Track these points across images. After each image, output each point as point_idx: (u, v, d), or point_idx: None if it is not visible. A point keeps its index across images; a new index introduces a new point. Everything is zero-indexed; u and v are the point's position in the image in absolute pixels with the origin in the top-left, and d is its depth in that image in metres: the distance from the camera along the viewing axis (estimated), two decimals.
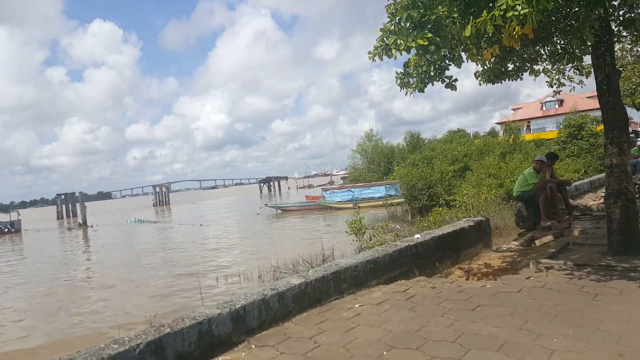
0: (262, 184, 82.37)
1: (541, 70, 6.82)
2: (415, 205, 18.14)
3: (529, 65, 6.05)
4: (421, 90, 5.49)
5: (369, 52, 4.21)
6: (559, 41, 5.58)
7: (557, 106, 56.91)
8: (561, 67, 7.11)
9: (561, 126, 27.55)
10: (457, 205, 13.06)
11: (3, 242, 29.60)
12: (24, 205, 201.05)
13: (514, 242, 7.36)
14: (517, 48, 5.45)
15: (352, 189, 28.88)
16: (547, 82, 7.28)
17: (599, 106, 5.19)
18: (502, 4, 3.31)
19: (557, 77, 7.20)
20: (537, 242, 7.00)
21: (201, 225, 26.35)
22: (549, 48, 5.89)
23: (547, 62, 6.61)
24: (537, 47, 5.89)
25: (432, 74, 5.30)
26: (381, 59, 4.22)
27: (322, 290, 3.76)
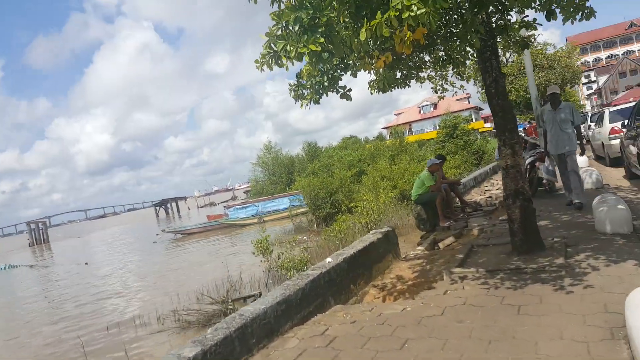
0: (157, 207, 76.49)
1: (426, 77, 6.91)
2: (320, 214, 18.00)
3: (415, 72, 6.02)
4: (316, 102, 5.06)
5: (256, 61, 3.61)
6: (441, 48, 5.59)
7: (432, 109, 62.70)
8: (444, 73, 7.30)
9: (438, 127, 29.99)
10: (359, 212, 13.11)
11: None
12: None
13: (419, 248, 7.33)
14: (408, 54, 5.31)
15: (256, 204, 27.94)
16: (432, 88, 7.44)
17: (467, 107, 5.27)
18: (397, 4, 2.95)
19: (440, 82, 7.40)
20: (441, 245, 7.04)
21: (87, 263, 23.12)
22: (432, 55, 5.89)
23: (431, 69, 6.69)
24: (422, 54, 5.86)
25: (325, 84, 4.88)
26: (270, 69, 3.66)
27: (225, 355, 3.01)
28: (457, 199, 9.65)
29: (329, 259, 4.71)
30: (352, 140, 40.85)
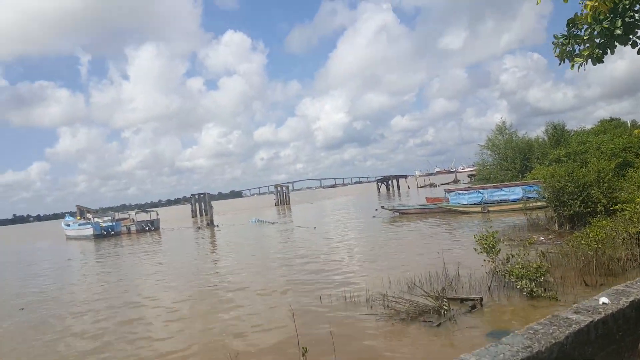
0: (380, 183, 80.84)
1: None
2: (565, 212, 14.98)
3: None
4: (598, 60, 3.62)
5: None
6: None
7: None
8: None
9: None
10: (626, 217, 10.11)
11: (145, 239, 33.38)
12: (169, 203, 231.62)
13: None
14: None
15: (481, 190, 25.73)
16: None
17: None
18: None
19: None
20: None
21: (315, 228, 26.07)
22: None
23: None
24: None
25: (618, 32, 3.40)
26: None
27: None
28: None
29: (603, 299, 3.24)
30: (614, 123, 32.78)
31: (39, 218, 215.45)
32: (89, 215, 45.34)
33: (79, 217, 47.96)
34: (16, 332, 10.10)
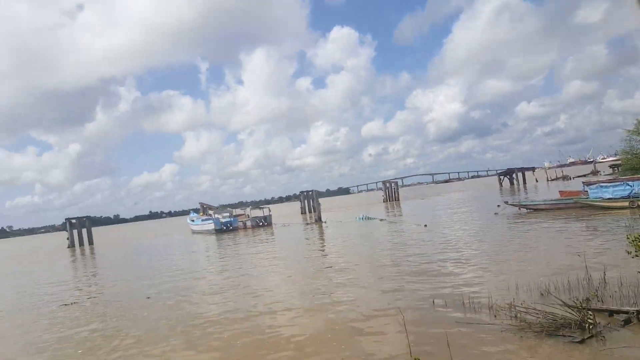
0: (502, 177, 74.85)
1: None
2: None
3: None
4: None
5: None
6: None
7: None
8: None
9: None
10: None
11: (259, 234, 35.39)
12: (281, 200, 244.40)
13: None
14: None
15: (630, 182, 22.10)
16: None
17: None
18: None
19: None
20: None
21: (425, 225, 24.92)
22: None
23: None
24: None
25: None
26: None
27: None
28: None
29: None
30: None
31: (170, 214, 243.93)
32: (210, 212, 49.68)
33: (201, 214, 52.85)
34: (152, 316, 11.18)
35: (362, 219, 37.01)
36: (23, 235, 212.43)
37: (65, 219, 50.32)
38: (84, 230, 50.36)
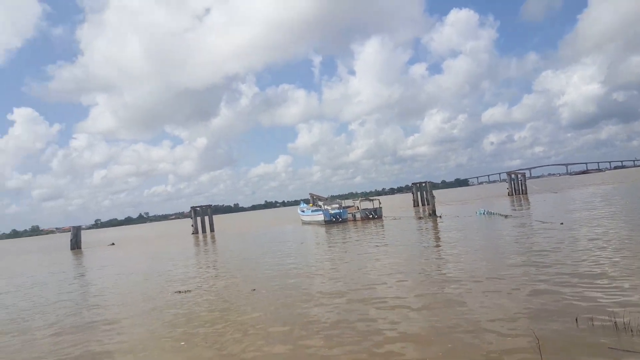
0: None
1: None
2: None
3: None
4: None
5: None
6: None
7: None
8: None
9: None
10: None
11: (369, 227, 35.16)
12: (392, 191, 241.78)
13: None
14: None
15: None
16: None
17: None
18: None
19: None
20: None
21: (562, 223, 22.20)
22: None
23: None
24: None
25: None
26: None
27: None
28: None
29: None
30: None
31: (284, 204, 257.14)
32: (320, 203, 50.89)
33: (311, 204, 54.45)
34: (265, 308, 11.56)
35: (484, 214, 34.62)
36: (158, 220, 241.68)
37: (191, 207, 55.70)
38: (207, 218, 55.22)
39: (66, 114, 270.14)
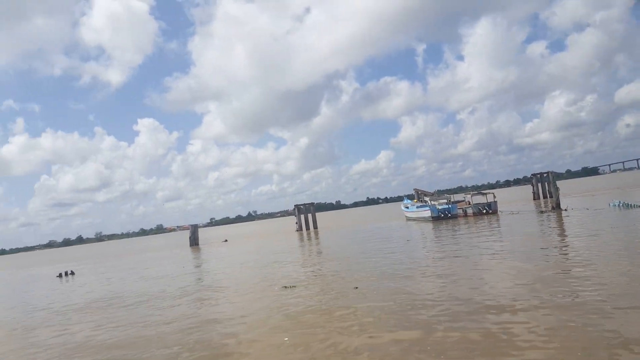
0: None
1: None
2: None
3: None
4: None
5: None
6: None
7: None
8: None
9: None
10: None
11: (482, 223, 33.11)
12: (507, 184, 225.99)
13: None
14: None
15: None
16: None
17: None
18: None
19: None
20: None
21: None
22: None
23: None
24: None
25: None
26: None
27: None
28: None
29: None
30: None
31: (386, 200, 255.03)
32: (426, 198, 49.29)
33: (415, 200, 52.98)
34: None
35: (619, 206, 30.62)
36: (265, 218, 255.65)
37: (295, 205, 57.66)
38: (310, 215, 56.77)
39: (183, 122, 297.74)
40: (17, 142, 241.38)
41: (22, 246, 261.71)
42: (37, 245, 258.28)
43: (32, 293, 25.97)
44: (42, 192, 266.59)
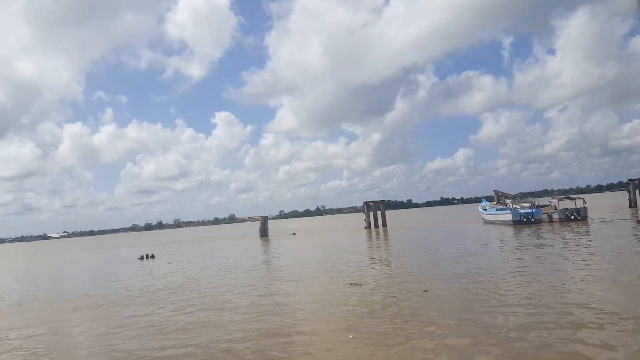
0: None
1: None
2: None
3: None
4: None
5: None
6: None
7: None
8: None
9: None
10: None
11: (570, 230, 30.85)
12: (599, 189, 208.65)
13: None
14: None
15: None
16: None
17: None
18: None
19: None
20: None
21: None
22: None
23: None
24: None
25: None
26: None
27: None
28: None
29: None
30: None
31: (462, 201, 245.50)
32: (507, 201, 46.84)
33: (495, 202, 50.58)
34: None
35: None
36: (333, 213, 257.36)
37: (364, 202, 57.38)
38: (379, 213, 56.21)
39: (257, 115, 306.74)
40: (106, 131, 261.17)
41: (108, 228, 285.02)
42: (121, 228, 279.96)
43: (116, 275, 28.16)
44: (127, 179, 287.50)
